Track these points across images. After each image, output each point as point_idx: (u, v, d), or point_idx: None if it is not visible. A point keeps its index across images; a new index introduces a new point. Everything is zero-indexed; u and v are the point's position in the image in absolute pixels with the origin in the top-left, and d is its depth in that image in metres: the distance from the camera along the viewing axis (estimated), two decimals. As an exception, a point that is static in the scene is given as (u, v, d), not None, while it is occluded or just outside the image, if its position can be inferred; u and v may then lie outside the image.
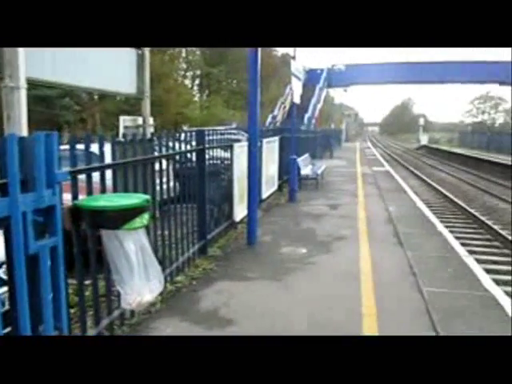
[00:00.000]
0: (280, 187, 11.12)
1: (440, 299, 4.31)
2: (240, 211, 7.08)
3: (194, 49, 38.97)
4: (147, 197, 2.77)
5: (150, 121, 5.73)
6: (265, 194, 9.32)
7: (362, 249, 6.07)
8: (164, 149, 4.43)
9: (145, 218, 2.53)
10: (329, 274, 5.13)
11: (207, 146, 5.70)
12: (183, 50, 38.57)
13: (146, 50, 6.26)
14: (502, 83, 38.24)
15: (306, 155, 14.19)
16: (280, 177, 11.15)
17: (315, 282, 4.84)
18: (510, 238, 8.97)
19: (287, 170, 10.87)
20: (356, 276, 4.96)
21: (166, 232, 4.50)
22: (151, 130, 5.47)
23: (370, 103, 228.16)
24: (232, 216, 6.91)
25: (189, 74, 41.43)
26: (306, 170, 12.50)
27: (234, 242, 6.42)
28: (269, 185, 9.76)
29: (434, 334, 3.58)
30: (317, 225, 7.66)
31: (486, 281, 4.94)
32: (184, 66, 39.71)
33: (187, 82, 41.75)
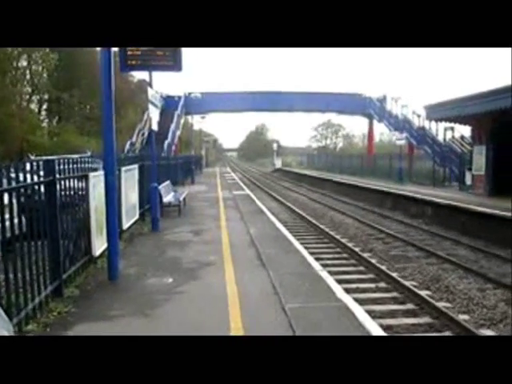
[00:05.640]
0: (142, 216, 10.77)
1: (300, 314, 4.59)
2: (99, 244, 6.63)
3: (40, 71, 35.86)
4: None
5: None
6: (126, 224, 8.92)
7: (228, 273, 6.18)
8: (5, 182, 3.95)
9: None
10: (197, 301, 5.09)
11: (58, 176, 5.26)
12: (27, 71, 35.22)
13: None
14: (339, 112, 43.52)
15: (168, 182, 14.04)
16: (141, 205, 10.81)
17: (183, 312, 4.75)
18: (356, 249, 10.08)
19: (149, 198, 10.59)
20: (223, 301, 5.01)
21: (12, 275, 3.97)
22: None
23: (228, 129, 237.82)
24: (91, 250, 6.43)
25: (35, 98, 37.89)
26: (168, 198, 12.34)
27: (94, 279, 5.97)
28: (130, 214, 9.38)
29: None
30: (182, 253, 7.58)
31: (338, 290, 5.45)
32: (29, 89, 36.19)
33: (33, 106, 38.13)
